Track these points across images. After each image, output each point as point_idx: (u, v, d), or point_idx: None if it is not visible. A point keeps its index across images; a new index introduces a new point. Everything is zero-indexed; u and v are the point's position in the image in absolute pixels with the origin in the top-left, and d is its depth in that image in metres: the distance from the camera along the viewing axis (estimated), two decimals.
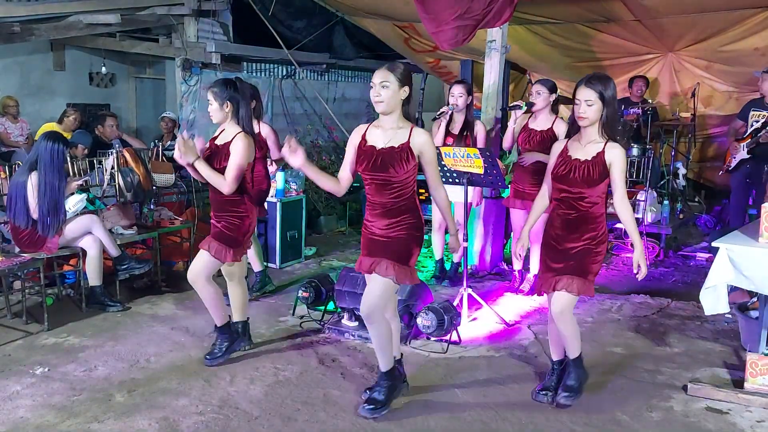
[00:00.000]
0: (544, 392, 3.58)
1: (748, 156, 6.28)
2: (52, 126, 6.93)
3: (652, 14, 6.63)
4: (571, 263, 3.38)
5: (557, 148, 3.50)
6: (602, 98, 3.27)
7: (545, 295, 3.54)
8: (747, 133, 6.31)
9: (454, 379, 3.86)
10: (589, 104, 3.28)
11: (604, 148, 3.32)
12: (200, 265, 3.91)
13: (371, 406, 3.40)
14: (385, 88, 3.16)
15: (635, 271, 3.37)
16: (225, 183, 3.79)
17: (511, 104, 5.41)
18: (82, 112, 8.47)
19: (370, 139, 3.29)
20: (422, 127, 3.63)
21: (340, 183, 3.38)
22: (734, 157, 6.43)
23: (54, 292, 5.19)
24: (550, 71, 8.25)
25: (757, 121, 6.20)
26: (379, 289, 3.27)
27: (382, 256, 3.27)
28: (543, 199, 3.63)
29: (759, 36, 6.61)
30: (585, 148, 3.37)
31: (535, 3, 6.26)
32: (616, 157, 3.30)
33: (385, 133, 3.27)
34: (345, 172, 3.39)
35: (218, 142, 3.94)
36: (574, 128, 3.44)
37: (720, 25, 6.69)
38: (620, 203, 3.37)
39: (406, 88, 3.20)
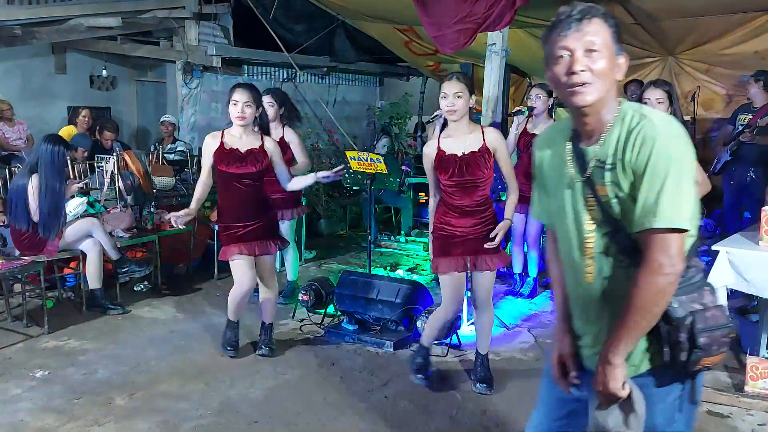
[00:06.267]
0: None
1: (731, 158, 6.29)
2: (71, 129, 7.05)
3: (653, 18, 6.63)
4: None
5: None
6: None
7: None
8: (732, 137, 6.35)
9: (455, 383, 3.86)
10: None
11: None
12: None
13: (485, 384, 3.71)
14: (459, 98, 3.37)
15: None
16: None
17: (513, 110, 5.41)
18: None
19: (446, 148, 3.48)
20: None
21: None
22: (719, 160, 6.45)
23: (54, 295, 5.18)
24: None
25: (743, 124, 6.23)
26: (489, 280, 3.62)
27: (480, 253, 3.51)
28: None
29: (759, 39, 6.60)
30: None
31: (536, 6, 6.25)
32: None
33: (458, 140, 3.47)
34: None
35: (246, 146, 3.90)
36: None
37: (720, 29, 6.68)
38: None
39: (473, 97, 3.44)
